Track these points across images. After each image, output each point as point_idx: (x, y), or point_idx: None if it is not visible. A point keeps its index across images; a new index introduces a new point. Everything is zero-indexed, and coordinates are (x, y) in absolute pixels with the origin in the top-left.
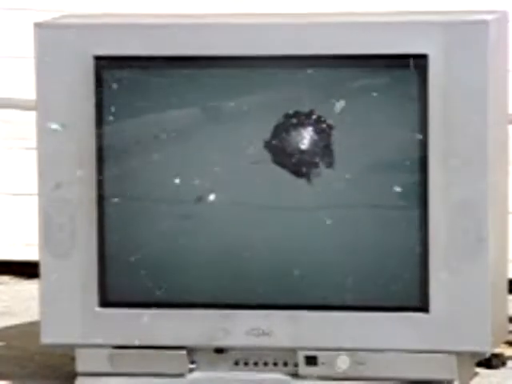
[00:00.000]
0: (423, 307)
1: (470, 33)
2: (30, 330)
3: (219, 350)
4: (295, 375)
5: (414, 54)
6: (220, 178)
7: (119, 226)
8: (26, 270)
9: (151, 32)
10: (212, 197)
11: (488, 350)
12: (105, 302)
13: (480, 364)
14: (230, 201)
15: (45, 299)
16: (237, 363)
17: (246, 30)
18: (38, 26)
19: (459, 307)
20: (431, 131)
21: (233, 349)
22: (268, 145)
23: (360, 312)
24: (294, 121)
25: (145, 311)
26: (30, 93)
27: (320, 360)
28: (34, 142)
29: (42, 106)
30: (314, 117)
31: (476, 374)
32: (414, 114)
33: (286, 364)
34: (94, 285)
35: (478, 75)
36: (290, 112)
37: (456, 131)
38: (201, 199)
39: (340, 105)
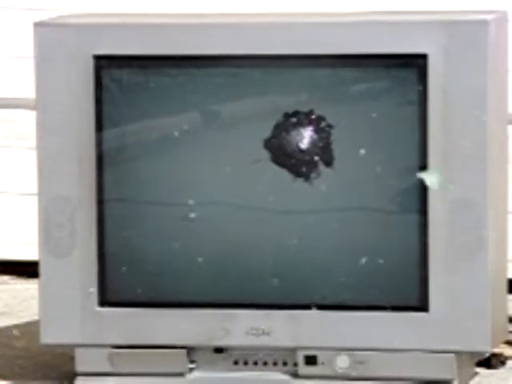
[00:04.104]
0: (423, 307)
1: (470, 32)
2: (30, 330)
3: (219, 350)
4: (295, 375)
5: (413, 54)
6: (219, 177)
7: (119, 226)
8: (26, 269)
9: (151, 32)
10: (211, 198)
11: (488, 349)
12: (105, 302)
13: (480, 364)
14: (229, 200)
15: (45, 299)
16: (236, 363)
17: (246, 29)
18: (37, 25)
19: (459, 307)
20: (431, 131)
21: (233, 348)
22: (267, 144)
23: (360, 312)
24: (294, 120)
25: (145, 311)
26: (29, 93)
27: (320, 360)
28: (33, 142)
29: (41, 106)
30: (314, 116)
31: (476, 373)
32: (413, 114)
33: (285, 364)
34: (94, 285)
35: (477, 75)
36: (290, 112)
37: (456, 131)
38: (199, 201)
39: None
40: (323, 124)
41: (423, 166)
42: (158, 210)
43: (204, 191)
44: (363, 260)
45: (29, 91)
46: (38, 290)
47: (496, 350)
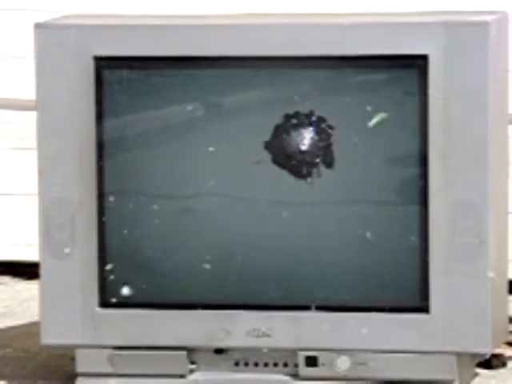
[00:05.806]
0: (423, 308)
1: (471, 33)
2: (30, 330)
3: (219, 351)
4: (295, 376)
5: (414, 55)
6: (220, 178)
7: (119, 226)
8: (26, 270)
9: (151, 32)
10: (212, 198)
11: (488, 350)
12: (105, 303)
13: (480, 365)
14: (230, 201)
15: (45, 299)
16: (237, 364)
17: (246, 30)
18: (38, 26)
19: (459, 308)
20: (431, 131)
21: (233, 349)
22: (268, 145)
23: (360, 312)
24: (295, 121)
25: (145, 311)
26: (30, 93)
27: (320, 361)
28: (33, 142)
29: (41, 106)
30: (315, 118)
31: (476, 374)
32: (414, 115)
33: (286, 365)
34: (94, 285)
35: (478, 76)
36: (290, 112)
37: (456, 131)
38: (200, 201)
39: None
40: (324, 125)
41: (423, 168)
42: (157, 211)
43: (204, 193)
44: (364, 261)
45: (29, 91)
46: (38, 290)
47: (496, 351)
